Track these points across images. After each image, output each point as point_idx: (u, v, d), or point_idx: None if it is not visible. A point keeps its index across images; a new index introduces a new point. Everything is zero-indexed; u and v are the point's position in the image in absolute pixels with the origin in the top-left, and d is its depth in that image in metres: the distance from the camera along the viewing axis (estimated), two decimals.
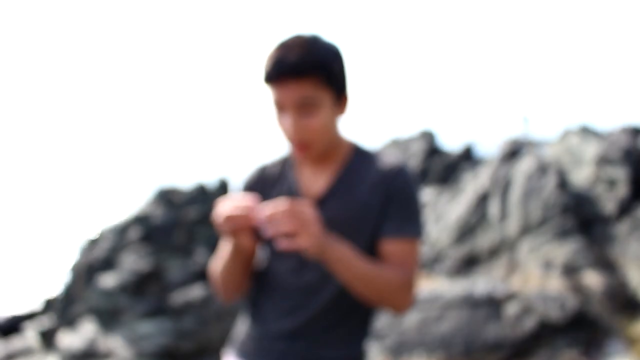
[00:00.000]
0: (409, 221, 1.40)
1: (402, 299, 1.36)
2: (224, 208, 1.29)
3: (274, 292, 1.50)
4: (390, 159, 1.46)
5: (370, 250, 1.42)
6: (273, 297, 1.50)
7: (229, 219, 1.28)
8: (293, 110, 1.32)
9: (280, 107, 1.34)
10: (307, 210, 1.23)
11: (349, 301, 1.44)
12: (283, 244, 1.22)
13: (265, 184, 1.53)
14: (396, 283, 1.34)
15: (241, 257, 1.45)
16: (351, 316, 1.47)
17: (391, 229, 1.38)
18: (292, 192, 1.47)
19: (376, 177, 1.42)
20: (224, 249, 1.47)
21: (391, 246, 1.38)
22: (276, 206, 1.22)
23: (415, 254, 1.40)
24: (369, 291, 1.33)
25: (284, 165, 1.54)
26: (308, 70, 1.28)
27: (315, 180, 1.47)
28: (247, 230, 1.30)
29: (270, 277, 1.52)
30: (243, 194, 1.29)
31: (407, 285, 1.36)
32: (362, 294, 1.35)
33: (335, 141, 1.46)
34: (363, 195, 1.41)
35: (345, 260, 1.29)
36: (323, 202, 1.43)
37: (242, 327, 1.60)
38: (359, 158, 1.49)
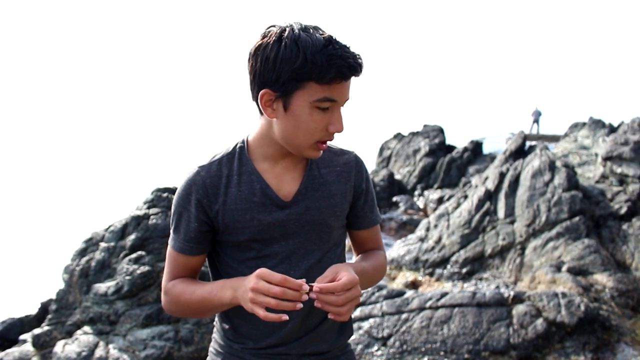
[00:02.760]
0: (376, 210, 1.63)
1: (386, 270, 1.71)
2: (271, 290, 1.21)
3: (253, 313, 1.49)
4: (340, 148, 1.58)
5: (342, 225, 1.56)
6: (254, 317, 1.44)
7: (279, 301, 1.22)
8: (341, 107, 1.36)
9: (329, 104, 1.32)
10: (357, 293, 1.28)
11: None
12: (334, 317, 1.28)
13: (217, 185, 1.43)
14: (384, 265, 1.62)
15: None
16: None
17: (367, 222, 1.60)
18: (264, 190, 1.43)
19: (339, 165, 1.53)
20: (211, 297, 1.39)
21: (370, 233, 1.63)
22: (333, 288, 1.24)
23: (380, 232, 1.68)
24: (370, 285, 1.56)
25: (235, 163, 1.45)
26: (362, 71, 1.33)
27: (283, 177, 1.46)
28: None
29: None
30: (281, 278, 1.22)
31: (386, 260, 1.66)
32: (365, 288, 1.52)
33: None
34: (335, 185, 1.51)
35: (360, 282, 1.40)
36: (303, 198, 1.45)
37: (220, 342, 1.58)
38: None
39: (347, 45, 1.30)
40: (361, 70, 1.31)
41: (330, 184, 1.49)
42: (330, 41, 1.27)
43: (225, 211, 1.42)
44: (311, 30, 1.29)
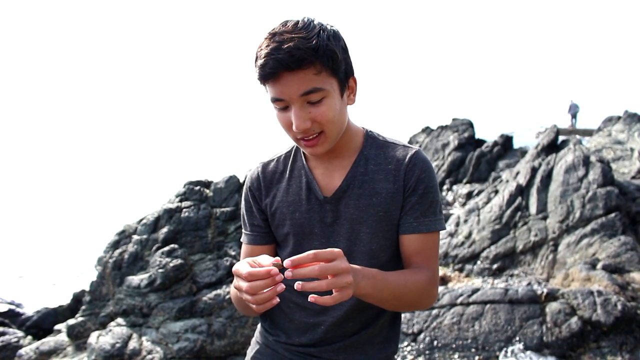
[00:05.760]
0: (428, 215, 1.37)
1: (429, 298, 1.36)
2: (244, 281, 1.07)
3: (290, 305, 1.48)
4: (403, 145, 1.42)
5: (393, 230, 1.39)
6: (290, 310, 1.48)
7: (254, 295, 1.06)
8: (298, 103, 1.22)
9: (282, 103, 1.24)
10: (341, 265, 1.06)
11: (372, 305, 1.39)
12: (314, 299, 1.05)
13: (270, 180, 1.47)
14: (423, 286, 1.33)
15: None
16: (377, 318, 1.45)
17: (411, 225, 1.36)
18: (309, 184, 1.42)
19: (392, 163, 1.38)
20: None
21: (412, 242, 1.37)
22: (304, 259, 1.04)
23: (435, 247, 1.39)
24: (400, 305, 1.32)
25: (290, 160, 1.48)
26: (307, 59, 1.17)
27: (332, 173, 1.41)
28: (273, 300, 1.08)
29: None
30: (261, 259, 1.09)
31: (432, 283, 1.36)
32: (394, 308, 1.34)
33: (347, 131, 1.39)
34: (381, 184, 1.37)
35: (372, 292, 1.22)
36: (343, 195, 1.39)
37: (259, 332, 1.59)
38: (372, 145, 1.42)
39: (290, 37, 1.17)
40: (295, 63, 1.16)
41: (375, 181, 1.37)
42: (268, 39, 1.20)
43: (273, 203, 1.45)
44: (280, 26, 1.22)
